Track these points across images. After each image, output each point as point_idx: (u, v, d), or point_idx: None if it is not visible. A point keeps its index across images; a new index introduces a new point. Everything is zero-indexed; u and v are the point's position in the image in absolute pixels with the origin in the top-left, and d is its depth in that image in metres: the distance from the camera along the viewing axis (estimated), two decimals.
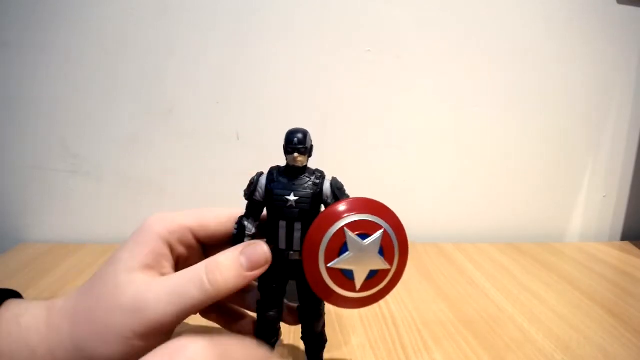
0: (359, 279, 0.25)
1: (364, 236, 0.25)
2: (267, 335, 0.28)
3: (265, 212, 0.27)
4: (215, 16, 0.54)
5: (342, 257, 0.24)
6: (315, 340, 0.29)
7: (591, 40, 0.61)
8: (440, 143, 0.62)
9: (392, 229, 0.26)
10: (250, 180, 0.26)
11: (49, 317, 0.24)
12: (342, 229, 0.24)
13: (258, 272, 0.25)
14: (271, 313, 0.27)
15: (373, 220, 0.25)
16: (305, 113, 0.58)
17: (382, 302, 0.42)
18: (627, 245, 0.64)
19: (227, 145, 0.57)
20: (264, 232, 0.27)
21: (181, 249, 0.27)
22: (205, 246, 0.29)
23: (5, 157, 0.55)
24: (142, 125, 0.56)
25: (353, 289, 0.25)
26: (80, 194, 0.57)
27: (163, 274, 0.26)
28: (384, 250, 0.25)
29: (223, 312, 0.31)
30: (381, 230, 0.25)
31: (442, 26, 0.58)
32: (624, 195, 0.68)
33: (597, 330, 0.39)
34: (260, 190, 0.26)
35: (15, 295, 0.27)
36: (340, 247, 0.24)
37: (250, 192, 0.26)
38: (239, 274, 0.24)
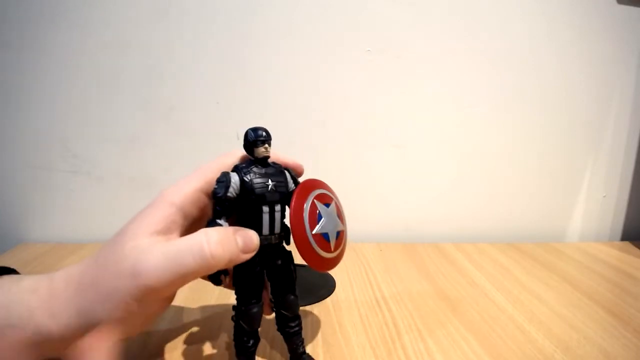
0: (332, 240, 0.30)
1: (327, 205, 0.30)
2: (249, 337, 0.29)
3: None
4: (216, 16, 0.54)
5: (320, 223, 0.29)
6: (293, 324, 0.30)
7: (591, 40, 0.61)
8: (440, 143, 0.62)
9: (335, 197, 0.32)
10: (219, 179, 0.27)
11: (52, 283, 0.25)
12: (313, 201, 0.29)
13: (248, 256, 0.26)
14: (255, 309, 0.28)
15: (326, 192, 0.31)
16: (305, 113, 0.58)
17: (382, 303, 0.42)
18: (627, 245, 0.64)
19: (227, 145, 0.56)
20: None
21: (196, 212, 0.28)
22: None
23: (6, 157, 0.56)
24: (142, 125, 0.56)
25: (330, 249, 0.29)
26: (80, 194, 0.57)
27: (170, 240, 0.26)
28: (339, 214, 0.31)
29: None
30: (333, 199, 0.31)
31: (442, 26, 0.58)
32: (624, 195, 0.68)
33: (597, 330, 0.39)
34: (234, 186, 0.27)
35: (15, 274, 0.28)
36: (316, 216, 0.29)
37: (224, 190, 0.27)
38: (235, 252, 0.25)
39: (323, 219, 0.29)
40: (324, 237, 0.29)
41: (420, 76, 0.59)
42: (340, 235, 0.31)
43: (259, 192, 0.27)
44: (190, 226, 0.28)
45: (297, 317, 0.30)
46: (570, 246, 0.62)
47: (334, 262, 0.31)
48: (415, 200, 0.63)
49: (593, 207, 0.67)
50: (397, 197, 0.62)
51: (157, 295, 0.24)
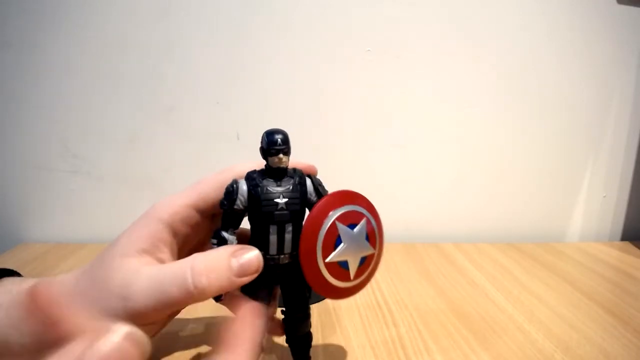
0: (353, 268, 0.26)
1: (352, 226, 0.25)
2: None
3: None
4: (216, 16, 0.54)
5: (337, 250, 0.25)
6: (303, 340, 0.29)
7: (591, 40, 0.61)
8: (440, 143, 0.62)
9: (371, 214, 0.27)
10: (227, 189, 0.25)
11: (50, 287, 0.24)
12: (334, 223, 0.25)
13: (247, 279, 0.23)
14: None
15: (356, 209, 0.26)
16: (305, 113, 0.58)
17: (382, 303, 0.42)
18: (627, 245, 0.64)
19: (227, 145, 0.57)
20: (247, 242, 0.26)
21: (186, 229, 0.27)
22: (214, 215, 0.28)
23: (6, 157, 0.56)
24: (142, 125, 0.56)
25: (348, 279, 0.26)
26: (80, 194, 0.57)
27: (159, 259, 0.25)
28: (369, 236, 0.26)
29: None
30: (364, 218, 0.26)
31: (442, 26, 0.58)
32: (624, 195, 0.68)
33: (597, 330, 0.39)
34: (242, 197, 0.25)
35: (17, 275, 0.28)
36: (334, 240, 0.25)
37: (230, 201, 0.25)
38: (227, 278, 0.23)
39: (342, 245, 0.25)
40: (340, 266, 0.25)
41: (421, 76, 0.59)
42: (366, 261, 0.26)
43: (265, 211, 0.24)
44: (183, 244, 0.27)
45: (307, 335, 0.29)
46: (570, 246, 0.62)
47: (352, 291, 0.27)
48: (415, 200, 0.63)
49: (593, 207, 0.67)
50: (397, 197, 0.62)
51: (145, 320, 0.23)
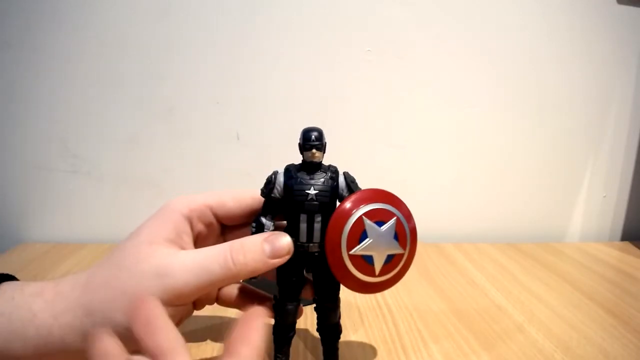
0: (378, 264, 0.27)
1: (380, 223, 0.26)
2: (285, 329, 0.29)
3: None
4: (216, 16, 0.54)
5: (362, 244, 0.26)
6: (332, 330, 0.30)
7: (591, 40, 0.61)
8: (440, 143, 0.62)
9: (404, 216, 0.28)
10: (268, 179, 0.27)
11: (57, 286, 0.25)
12: (360, 217, 0.26)
13: (279, 261, 0.26)
14: (290, 307, 0.28)
15: (387, 208, 0.27)
16: (306, 113, 0.58)
17: (382, 303, 0.42)
18: (627, 245, 0.64)
19: (227, 145, 0.57)
20: (283, 229, 0.28)
21: (201, 227, 0.29)
22: (225, 227, 0.31)
23: (6, 157, 0.56)
24: (142, 125, 0.56)
25: (373, 274, 0.27)
26: (80, 194, 0.57)
27: (183, 249, 0.27)
28: (398, 236, 0.27)
29: (244, 294, 0.32)
30: (394, 218, 0.27)
31: (443, 26, 0.58)
32: (624, 195, 0.68)
33: (597, 330, 0.39)
34: (278, 187, 0.27)
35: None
36: (360, 234, 0.26)
37: (268, 190, 0.27)
38: (261, 259, 0.25)
39: (369, 239, 0.26)
40: (364, 260, 0.26)
41: (421, 76, 0.59)
42: (393, 260, 0.27)
43: (297, 200, 0.27)
44: (196, 241, 0.29)
45: (336, 325, 0.30)
46: (570, 246, 0.62)
47: (378, 287, 0.28)
48: (415, 200, 0.62)
49: (593, 207, 0.67)
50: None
51: (179, 300, 0.24)
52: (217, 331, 0.36)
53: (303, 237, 0.27)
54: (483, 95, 0.61)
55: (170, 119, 0.56)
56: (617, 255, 0.59)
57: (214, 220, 0.29)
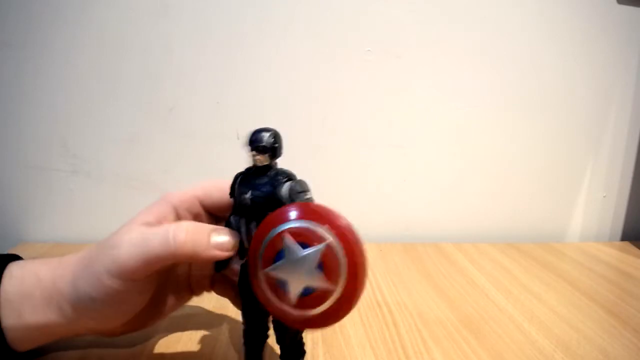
0: (294, 293, 0.22)
1: (305, 246, 0.22)
2: (255, 332, 0.28)
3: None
4: (215, 16, 0.54)
5: (276, 264, 0.22)
6: (286, 351, 0.28)
7: (591, 40, 0.61)
8: (440, 143, 0.62)
9: (342, 245, 0.22)
10: (232, 179, 0.28)
11: (62, 257, 0.28)
12: (280, 233, 0.22)
13: (220, 254, 0.25)
14: (256, 307, 0.26)
15: (319, 230, 0.22)
16: (305, 113, 0.58)
17: (381, 303, 0.42)
18: (627, 245, 0.64)
19: (227, 145, 0.57)
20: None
21: (188, 216, 0.29)
22: (218, 219, 0.31)
23: (6, 156, 0.55)
24: (142, 125, 0.56)
25: (289, 303, 0.22)
26: (80, 194, 0.57)
27: None
28: (325, 267, 0.22)
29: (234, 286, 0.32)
30: (324, 243, 0.22)
31: (443, 26, 0.58)
32: (624, 195, 0.68)
33: (597, 330, 0.39)
34: (233, 188, 0.27)
35: None
36: (276, 252, 0.22)
37: (231, 190, 0.27)
38: (202, 244, 0.25)
39: (283, 261, 0.22)
40: (278, 284, 0.22)
41: (421, 76, 0.59)
42: (316, 295, 0.22)
43: (236, 201, 0.26)
44: None
45: (290, 347, 0.27)
46: (570, 246, 0.62)
47: (301, 322, 0.23)
48: (415, 200, 0.63)
49: (593, 207, 0.67)
50: (397, 197, 0.62)
51: (127, 273, 0.24)
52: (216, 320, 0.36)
53: (245, 242, 0.26)
54: (483, 95, 0.61)
55: (170, 119, 0.56)
56: (617, 255, 0.59)
57: (201, 211, 0.30)
